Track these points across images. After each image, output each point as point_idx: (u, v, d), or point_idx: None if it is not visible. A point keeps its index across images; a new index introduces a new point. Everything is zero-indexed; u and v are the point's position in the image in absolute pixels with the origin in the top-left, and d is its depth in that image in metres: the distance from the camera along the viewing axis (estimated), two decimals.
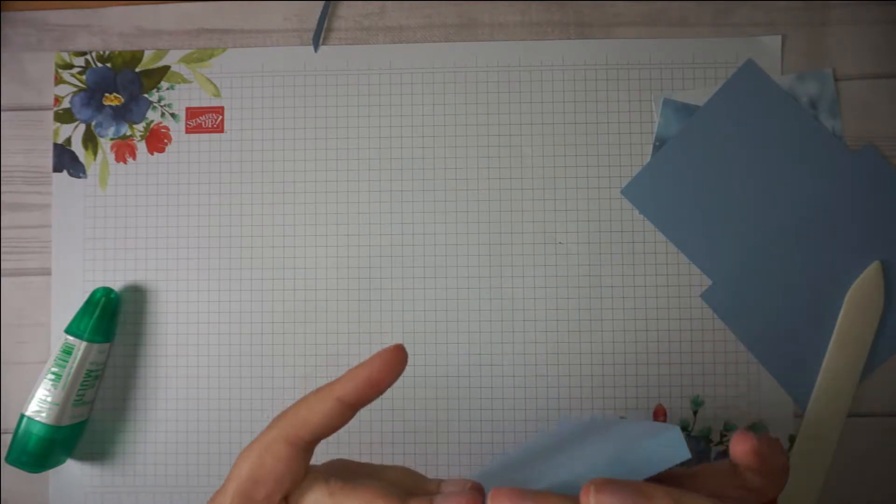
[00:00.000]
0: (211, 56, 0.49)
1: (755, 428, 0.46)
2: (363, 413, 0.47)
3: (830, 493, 0.45)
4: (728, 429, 0.46)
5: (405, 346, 0.47)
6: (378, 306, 0.47)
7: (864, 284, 0.45)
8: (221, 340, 0.47)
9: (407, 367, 0.46)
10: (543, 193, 0.47)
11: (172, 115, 0.49)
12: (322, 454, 0.46)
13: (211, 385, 0.47)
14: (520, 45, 0.48)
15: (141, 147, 0.49)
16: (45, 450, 0.44)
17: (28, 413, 0.43)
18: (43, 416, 0.43)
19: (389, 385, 0.27)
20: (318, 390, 0.27)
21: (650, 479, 0.25)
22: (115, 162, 0.49)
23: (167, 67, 0.49)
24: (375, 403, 0.47)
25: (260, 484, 0.26)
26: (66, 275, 0.48)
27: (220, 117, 0.49)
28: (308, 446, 0.27)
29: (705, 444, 0.46)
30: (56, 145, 0.49)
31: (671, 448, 0.24)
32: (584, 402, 0.46)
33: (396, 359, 0.27)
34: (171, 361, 0.47)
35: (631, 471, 0.24)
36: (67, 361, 0.44)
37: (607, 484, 0.23)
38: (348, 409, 0.27)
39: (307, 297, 0.47)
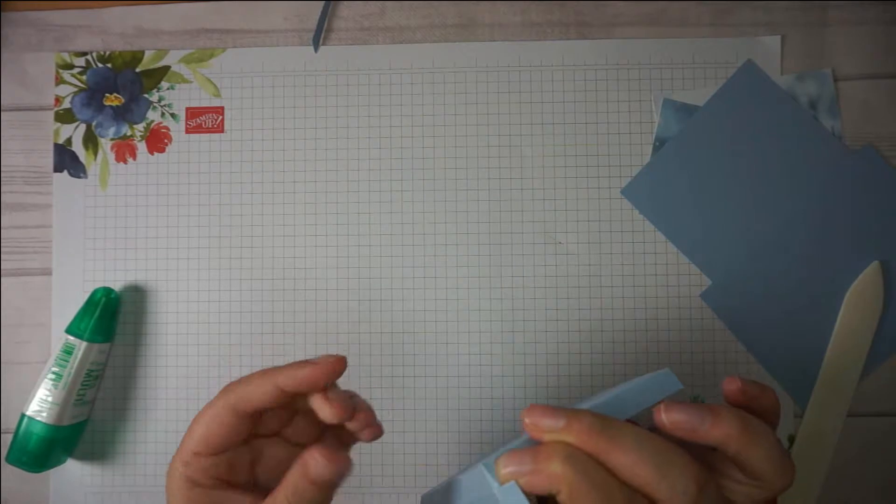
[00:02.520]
0: (211, 56, 0.49)
1: None
2: None
3: (830, 492, 0.45)
4: None
5: (404, 346, 0.47)
6: (378, 306, 0.47)
7: (864, 284, 0.45)
8: (221, 340, 0.47)
9: (407, 367, 0.47)
10: (543, 193, 0.47)
11: (172, 115, 0.49)
12: None
13: (211, 385, 0.47)
14: (520, 45, 0.48)
15: (141, 147, 0.49)
16: (46, 449, 0.44)
17: (29, 413, 0.43)
18: (43, 416, 0.43)
19: (324, 385, 0.30)
20: (264, 372, 0.30)
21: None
22: (115, 162, 0.49)
23: (167, 67, 0.49)
24: (375, 403, 0.47)
25: (210, 444, 0.30)
26: (66, 275, 0.48)
27: (220, 117, 0.49)
28: (251, 416, 0.30)
29: None
30: (56, 145, 0.49)
31: (664, 382, 0.27)
32: (583, 401, 0.46)
33: (337, 368, 0.30)
34: (171, 361, 0.47)
35: (629, 404, 0.27)
36: (68, 361, 0.44)
37: (676, 403, 0.26)
38: (285, 396, 0.30)
39: (307, 296, 0.47)
